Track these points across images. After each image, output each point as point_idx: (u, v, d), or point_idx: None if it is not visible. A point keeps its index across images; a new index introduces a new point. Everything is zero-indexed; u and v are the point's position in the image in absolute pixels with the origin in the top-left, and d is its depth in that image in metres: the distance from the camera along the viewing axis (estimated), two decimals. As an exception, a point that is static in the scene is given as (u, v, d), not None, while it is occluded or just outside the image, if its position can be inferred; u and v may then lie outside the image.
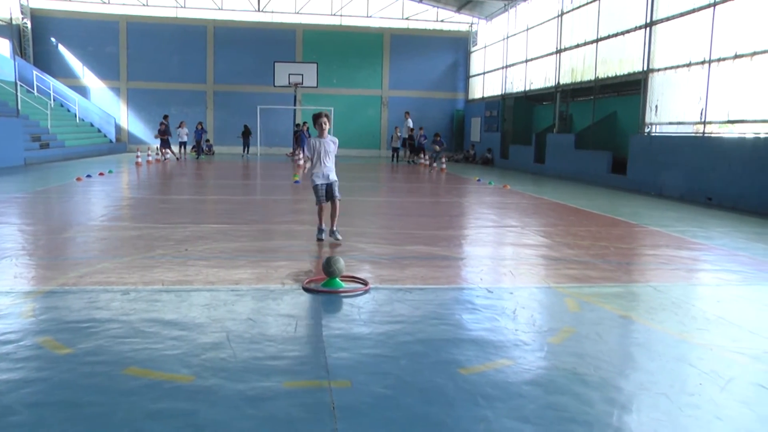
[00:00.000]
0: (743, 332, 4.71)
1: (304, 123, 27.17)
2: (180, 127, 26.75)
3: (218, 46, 31.78)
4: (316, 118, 7.65)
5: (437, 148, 26.27)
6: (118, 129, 31.48)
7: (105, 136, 30.31)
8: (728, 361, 4.08)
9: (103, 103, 31.16)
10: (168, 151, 25.99)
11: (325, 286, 5.55)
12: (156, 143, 26.99)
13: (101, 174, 17.01)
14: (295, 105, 29.25)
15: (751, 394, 3.59)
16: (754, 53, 13.16)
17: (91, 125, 30.19)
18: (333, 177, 7.87)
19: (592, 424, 3.14)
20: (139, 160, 21.74)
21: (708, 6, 14.54)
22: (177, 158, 25.90)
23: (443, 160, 24.23)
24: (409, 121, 28.57)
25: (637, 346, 4.41)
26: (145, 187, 15.27)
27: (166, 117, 26.85)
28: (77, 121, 29.17)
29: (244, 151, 30.43)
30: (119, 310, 4.80)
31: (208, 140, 30.91)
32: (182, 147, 26.80)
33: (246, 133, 30.35)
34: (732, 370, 3.93)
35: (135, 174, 18.28)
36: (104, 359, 3.81)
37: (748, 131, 13.79)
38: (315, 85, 27.95)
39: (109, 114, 30.88)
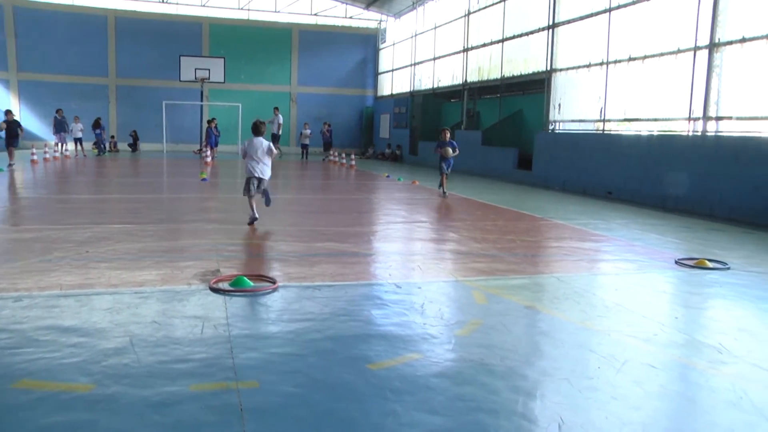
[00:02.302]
0: (637, 317, 4.98)
1: (213, 119, 26.56)
2: (75, 122, 25.52)
3: (120, 37, 30.46)
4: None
5: (446, 151, 13.95)
6: (11, 125, 29.60)
7: (-6, 132, 28.43)
8: (624, 345, 4.31)
9: (-11, 96, 29.23)
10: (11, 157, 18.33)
11: (232, 285, 5.45)
12: (53, 139, 25.59)
13: (-8, 173, 16.00)
14: (202, 101, 28.51)
15: (642, 374, 3.82)
16: (645, 57, 13.96)
17: (-23, 120, 28.23)
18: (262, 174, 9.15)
19: (498, 412, 3.23)
20: (35, 157, 20.60)
21: (604, 11, 15.28)
22: (10, 164, 17.82)
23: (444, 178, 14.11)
24: (279, 117, 27.49)
25: (542, 335, 4.58)
26: (42, 186, 14.46)
27: (59, 111, 25.48)
28: (-41, 115, 27.20)
29: (100, 149, 27.33)
30: (10, 318, 4.51)
31: (113, 136, 29.70)
32: (78, 144, 25.59)
33: (96, 125, 27.19)
34: (627, 353, 4.16)
35: (31, 172, 17.27)
36: (-9, 372, 3.56)
37: (643, 129, 14.59)
38: (222, 81, 27.30)
39: (-3, 108, 29.00)
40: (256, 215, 9.05)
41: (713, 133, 12.24)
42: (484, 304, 5.27)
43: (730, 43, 11.85)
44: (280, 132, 27.01)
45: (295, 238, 8.24)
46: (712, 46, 12.12)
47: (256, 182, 9.12)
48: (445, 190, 14.02)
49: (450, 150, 13.92)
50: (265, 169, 9.16)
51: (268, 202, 9.43)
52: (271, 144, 9.27)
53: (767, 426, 3.18)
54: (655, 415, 3.31)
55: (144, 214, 9.94)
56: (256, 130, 9.16)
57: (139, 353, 3.88)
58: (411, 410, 3.23)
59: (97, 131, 26.92)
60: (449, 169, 14.09)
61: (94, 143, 27.04)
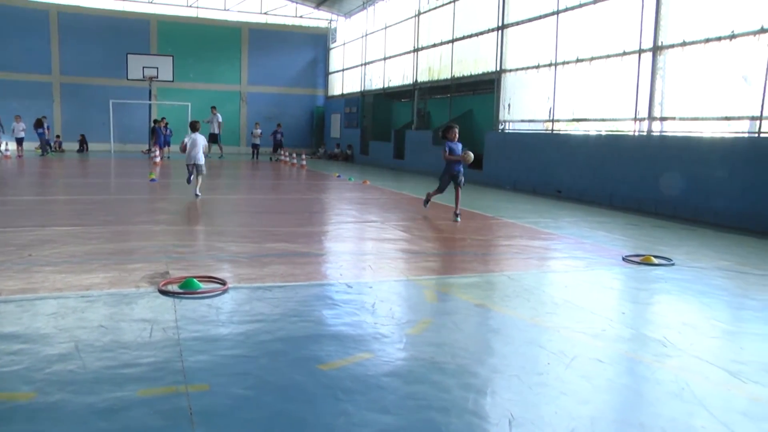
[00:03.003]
0: (586, 313, 5.09)
1: (162, 118, 26.06)
2: (17, 121, 24.69)
3: (64, 33, 29.54)
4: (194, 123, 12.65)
5: (467, 156, 10.25)
6: (-54, 124, 28.40)
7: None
8: (573, 341, 4.39)
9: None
10: None
11: (182, 287, 5.35)
12: None
13: (-73, 174, 15.35)
14: (150, 99, 27.94)
15: (591, 369, 3.90)
16: (593, 58, 14.28)
17: None
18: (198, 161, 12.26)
19: (449, 410, 3.25)
20: (-26, 158, 19.86)
21: (552, 14, 15.57)
22: None
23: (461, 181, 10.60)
24: (218, 116, 26.63)
25: (492, 333, 4.63)
26: (-19, 188, 13.95)
27: None
28: None
29: (44, 150, 26.34)
30: (-53, 324, 4.34)
31: (58, 136, 28.83)
32: (19, 144, 24.77)
33: (39, 125, 26.02)
34: (575, 348, 4.23)
35: (-32, 174, 16.66)
36: (-77, 385, 3.40)
37: (591, 129, 14.92)
38: (171, 79, 26.81)
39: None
40: (198, 193, 12.22)
41: (658, 133, 12.59)
42: (435, 303, 5.30)
43: (672, 46, 12.22)
44: (220, 131, 26.62)
45: (246, 238, 8.15)
46: (656, 49, 12.47)
47: (193, 168, 12.17)
48: (457, 213, 10.27)
49: (471, 154, 10.16)
50: (200, 157, 12.21)
51: (196, 178, 12.38)
52: (205, 139, 12.53)
53: (706, 415, 3.29)
54: (603, 408, 3.39)
55: (91, 216, 9.68)
56: (193, 127, 12.41)
57: (84, 359, 3.78)
58: (362, 410, 3.22)
59: (40, 131, 26.04)
60: (463, 180, 10.47)
61: (39, 144, 26.19)
